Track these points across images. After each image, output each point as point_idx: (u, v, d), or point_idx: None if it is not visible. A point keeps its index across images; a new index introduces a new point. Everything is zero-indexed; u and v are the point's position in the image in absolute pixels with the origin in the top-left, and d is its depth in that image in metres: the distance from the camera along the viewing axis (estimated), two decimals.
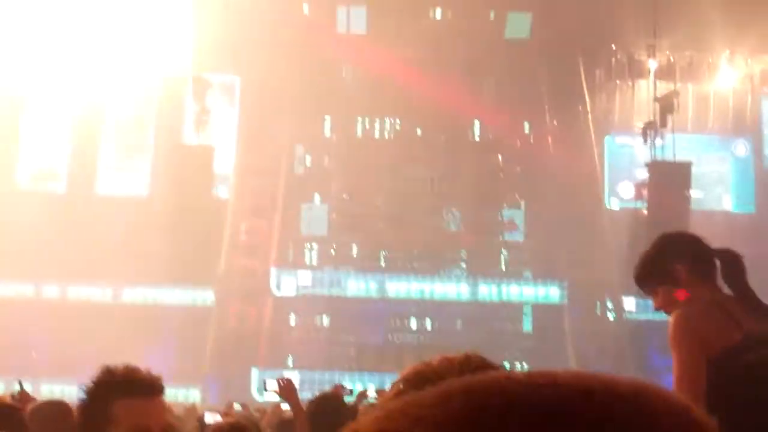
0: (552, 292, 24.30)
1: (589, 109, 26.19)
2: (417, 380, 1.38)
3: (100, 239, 24.85)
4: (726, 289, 3.17)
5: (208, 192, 24.01)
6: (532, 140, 26.68)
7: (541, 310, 24.23)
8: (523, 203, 26.29)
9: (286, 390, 6.77)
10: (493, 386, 0.55)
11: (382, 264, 25.10)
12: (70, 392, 20.22)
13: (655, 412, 0.52)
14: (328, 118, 27.05)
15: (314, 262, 25.22)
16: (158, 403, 2.48)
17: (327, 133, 27.00)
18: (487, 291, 24.58)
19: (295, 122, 26.12)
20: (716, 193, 26.72)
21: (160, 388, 2.51)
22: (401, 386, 1.41)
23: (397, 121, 27.09)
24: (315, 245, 25.62)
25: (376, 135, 26.91)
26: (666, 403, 0.53)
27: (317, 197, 26.34)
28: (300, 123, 26.35)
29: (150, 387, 2.47)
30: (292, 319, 24.62)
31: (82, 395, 2.44)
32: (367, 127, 27.07)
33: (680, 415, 0.53)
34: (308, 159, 26.86)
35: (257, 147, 25.60)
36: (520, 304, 24.65)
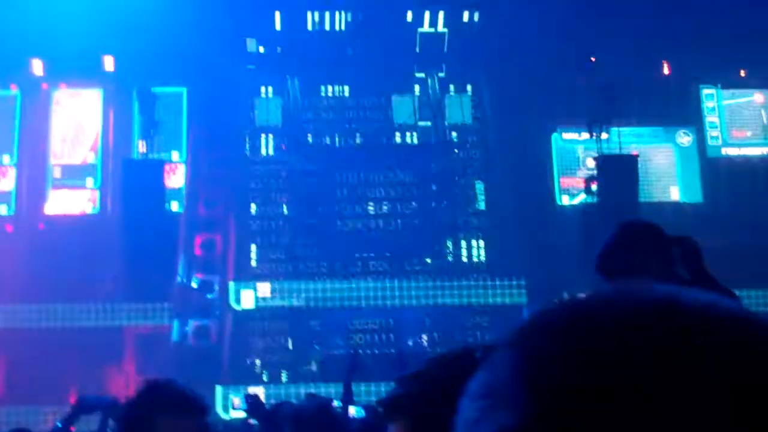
0: (512, 292, 24.44)
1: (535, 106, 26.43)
2: None
3: (51, 260, 24.53)
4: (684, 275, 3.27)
5: (160, 206, 23.81)
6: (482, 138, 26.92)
7: (504, 311, 24.41)
8: (482, 203, 26.41)
9: (255, 406, 6.79)
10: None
11: (341, 271, 25.05)
12: (32, 418, 19.92)
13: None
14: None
15: (274, 273, 25.06)
16: (202, 424, 2.46)
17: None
18: (450, 294, 24.63)
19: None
20: (663, 184, 27.21)
21: (205, 408, 2.49)
22: None
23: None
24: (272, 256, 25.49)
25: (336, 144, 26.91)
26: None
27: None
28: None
29: (196, 408, 2.45)
30: (254, 333, 24.47)
31: (126, 409, 2.41)
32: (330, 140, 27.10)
33: None
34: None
35: (209, 158, 25.46)
36: (483, 306, 24.73)
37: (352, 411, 8.20)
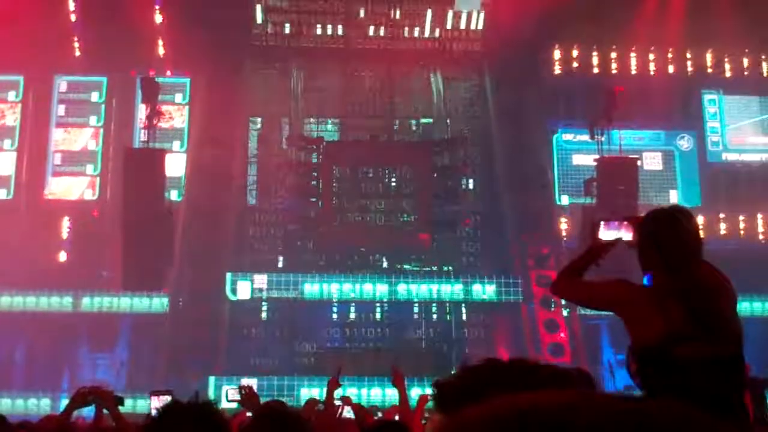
0: (509, 290, 24.45)
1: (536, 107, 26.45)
2: None
3: (51, 245, 24.61)
4: None
5: (160, 196, 23.77)
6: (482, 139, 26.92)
7: (500, 308, 24.48)
8: (480, 201, 26.38)
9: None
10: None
11: (338, 265, 25.06)
12: (32, 404, 19.98)
13: None
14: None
15: (270, 265, 25.07)
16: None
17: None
18: (449, 290, 24.64)
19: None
20: (663, 187, 27.24)
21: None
22: None
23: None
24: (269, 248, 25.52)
25: (327, 136, 26.90)
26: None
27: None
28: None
29: None
30: (249, 324, 24.49)
31: None
32: (319, 128, 27.15)
33: None
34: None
35: (209, 148, 25.43)
36: (483, 303, 24.73)
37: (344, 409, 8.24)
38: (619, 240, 3.60)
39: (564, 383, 1.48)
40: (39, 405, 20.89)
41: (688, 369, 3.09)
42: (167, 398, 6.18)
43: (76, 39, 26.08)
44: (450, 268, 25.23)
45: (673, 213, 3.53)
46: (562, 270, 3.62)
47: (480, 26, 26.85)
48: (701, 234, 3.47)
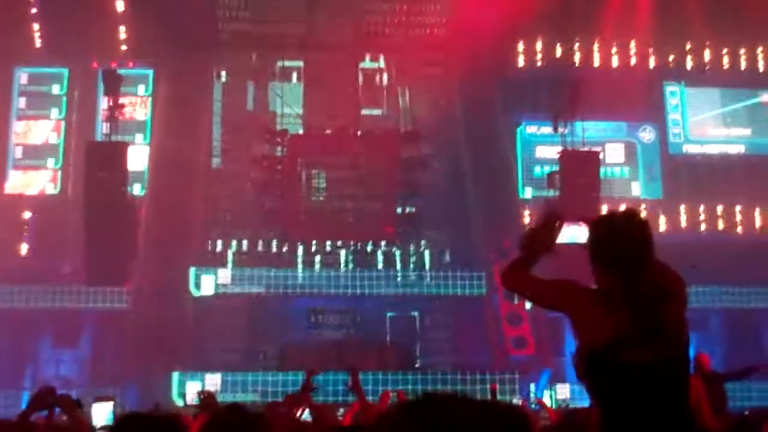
0: (473, 284, 24.56)
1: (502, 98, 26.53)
2: None
3: (11, 240, 24.31)
4: None
5: (122, 190, 23.53)
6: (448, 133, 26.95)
7: (467, 302, 24.57)
8: (445, 194, 26.43)
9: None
10: None
11: (303, 259, 25.00)
12: None
13: None
14: None
15: (235, 260, 24.94)
16: None
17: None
18: (410, 284, 24.69)
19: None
20: (625, 179, 27.51)
21: None
22: None
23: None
24: (233, 242, 25.40)
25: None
26: None
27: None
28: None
29: None
30: (213, 319, 24.34)
31: None
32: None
33: None
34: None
35: (173, 142, 25.22)
36: (446, 296, 24.83)
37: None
38: (560, 224, 3.58)
39: (496, 425, 1.50)
40: None
41: (633, 372, 3.13)
42: (109, 404, 6.13)
43: (35, 30, 25.69)
44: (414, 261, 25.27)
45: (623, 216, 3.54)
46: (512, 260, 3.59)
47: (444, 18, 26.84)
48: (652, 237, 3.47)
